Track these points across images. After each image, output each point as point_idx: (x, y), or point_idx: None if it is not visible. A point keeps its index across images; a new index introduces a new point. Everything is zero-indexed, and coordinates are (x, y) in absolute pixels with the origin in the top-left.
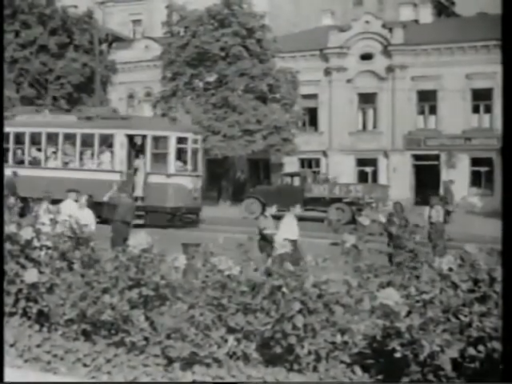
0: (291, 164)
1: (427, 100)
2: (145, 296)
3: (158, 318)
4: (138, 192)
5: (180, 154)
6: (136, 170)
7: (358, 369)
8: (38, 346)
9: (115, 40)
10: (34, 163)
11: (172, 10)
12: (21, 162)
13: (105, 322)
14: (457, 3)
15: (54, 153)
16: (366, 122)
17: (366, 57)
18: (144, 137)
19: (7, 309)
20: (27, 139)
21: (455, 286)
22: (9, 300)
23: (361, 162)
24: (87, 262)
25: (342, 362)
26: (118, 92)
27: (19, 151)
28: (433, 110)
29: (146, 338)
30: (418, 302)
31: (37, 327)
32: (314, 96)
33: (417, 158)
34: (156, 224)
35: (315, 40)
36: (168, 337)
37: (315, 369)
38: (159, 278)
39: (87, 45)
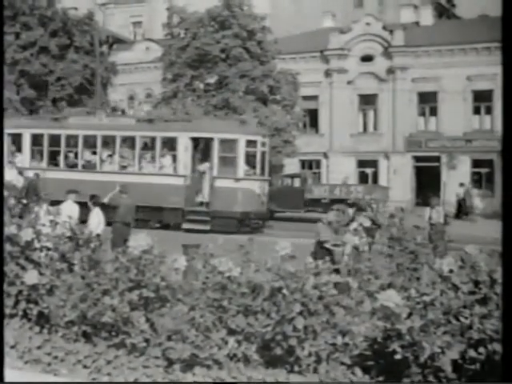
0: (292, 165)
1: (428, 102)
2: (145, 297)
3: (158, 319)
4: (204, 197)
5: (247, 158)
6: (202, 174)
7: (358, 370)
8: (39, 347)
9: (116, 42)
10: (89, 167)
11: (172, 12)
12: (73, 166)
13: (105, 323)
14: (457, 5)
15: (110, 156)
16: (366, 124)
17: (367, 58)
18: (210, 140)
19: (7, 310)
20: (80, 142)
21: (456, 288)
22: (9, 302)
23: (361, 164)
24: (87, 263)
25: (342, 363)
26: (119, 93)
27: (71, 154)
28: (433, 112)
29: (146, 340)
30: (418, 303)
31: (37, 329)
32: (314, 97)
33: (417, 159)
34: (223, 230)
35: (316, 42)
36: (168, 338)
37: (316, 370)
38: (159, 279)
39: (88, 46)
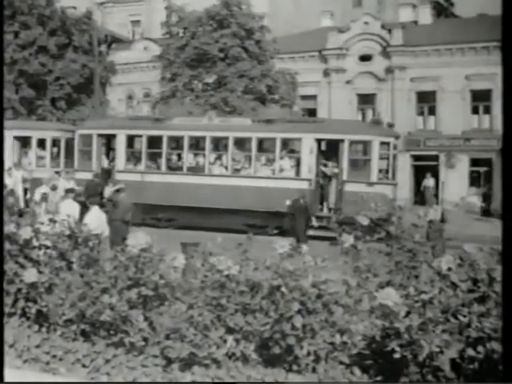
0: None
1: (426, 101)
2: (144, 296)
3: (157, 318)
4: (330, 203)
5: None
6: (328, 177)
7: (357, 369)
8: (38, 346)
9: (114, 41)
10: (196, 170)
11: (171, 11)
12: (177, 169)
13: (104, 322)
14: (456, 4)
15: (219, 159)
16: None
17: (365, 58)
18: (337, 141)
19: (6, 309)
20: (186, 143)
21: (454, 286)
22: (8, 300)
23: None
24: (86, 261)
25: (341, 362)
26: (117, 93)
27: (174, 157)
28: (432, 111)
29: (145, 339)
30: (417, 302)
31: (36, 327)
32: (313, 97)
33: (416, 158)
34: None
35: (314, 41)
36: (167, 337)
37: (314, 369)
38: (158, 277)
39: (86, 46)
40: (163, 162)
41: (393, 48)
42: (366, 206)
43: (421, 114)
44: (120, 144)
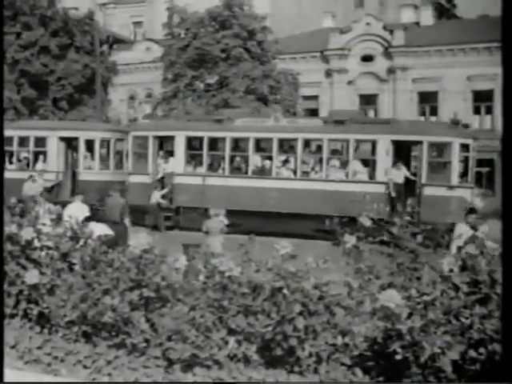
0: None
1: (428, 101)
2: (146, 297)
3: (158, 319)
4: (409, 206)
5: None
6: (407, 181)
7: (358, 371)
8: (39, 347)
9: (116, 41)
10: (262, 173)
11: (173, 12)
12: (242, 172)
13: (105, 323)
14: (458, 5)
15: (287, 161)
16: None
17: (367, 58)
18: (412, 143)
19: (8, 310)
20: (251, 146)
21: (456, 288)
22: (10, 301)
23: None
24: (88, 262)
25: (342, 364)
26: (119, 93)
27: (238, 159)
28: (434, 112)
29: (146, 340)
30: (419, 303)
31: (37, 329)
32: (314, 98)
33: None
34: (432, 243)
35: (316, 42)
36: (169, 338)
37: (316, 371)
38: (160, 279)
39: (88, 46)
40: (226, 164)
41: (395, 49)
42: (445, 211)
43: (423, 114)
44: (179, 146)
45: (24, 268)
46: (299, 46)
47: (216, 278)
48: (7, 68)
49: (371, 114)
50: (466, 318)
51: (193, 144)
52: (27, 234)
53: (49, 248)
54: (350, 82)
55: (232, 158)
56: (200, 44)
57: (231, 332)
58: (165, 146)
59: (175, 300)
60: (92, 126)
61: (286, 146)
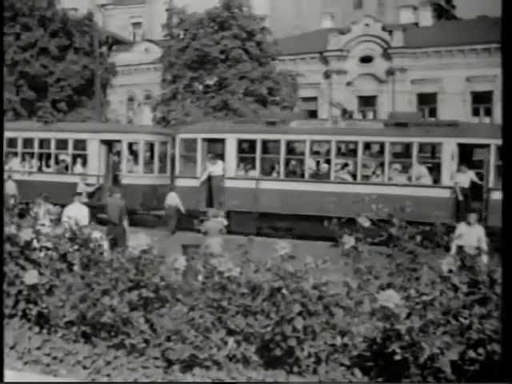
0: None
1: (427, 103)
2: (145, 298)
3: (157, 320)
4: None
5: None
6: (474, 185)
7: (357, 371)
8: (38, 348)
9: (115, 43)
10: (319, 176)
11: (172, 13)
12: (293, 174)
13: (105, 324)
14: (457, 6)
15: (346, 165)
16: None
17: (366, 59)
18: (478, 146)
19: (7, 311)
20: (307, 148)
21: (455, 288)
22: (9, 302)
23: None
24: (87, 263)
25: (341, 364)
26: (118, 95)
27: (293, 162)
28: (433, 113)
29: (145, 341)
30: (418, 304)
31: (37, 329)
32: (313, 99)
33: None
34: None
35: (315, 43)
36: (168, 339)
37: (315, 371)
38: (159, 279)
39: (87, 47)
40: (281, 167)
41: (393, 50)
42: None
43: (421, 116)
44: (230, 149)
45: (23, 268)
46: (298, 47)
47: (215, 279)
48: (6, 69)
49: (370, 115)
50: (465, 319)
51: (243, 147)
52: (26, 234)
53: (48, 249)
54: (348, 83)
55: (287, 162)
56: (199, 45)
57: (230, 332)
58: (212, 148)
59: (174, 300)
60: (136, 128)
61: (345, 149)
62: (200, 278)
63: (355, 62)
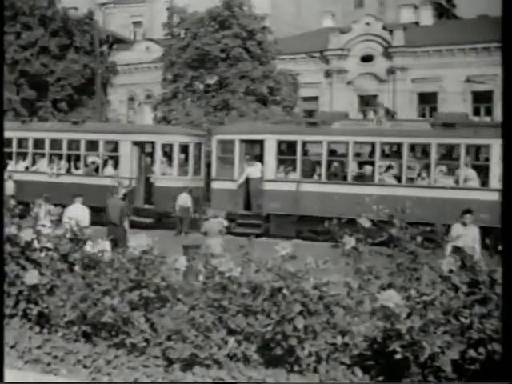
0: None
1: (428, 102)
2: (145, 298)
3: (158, 319)
4: None
5: None
6: None
7: (358, 370)
8: (39, 347)
9: (116, 42)
10: (362, 179)
11: (173, 12)
12: (334, 176)
13: (105, 323)
14: (457, 5)
15: (390, 167)
16: None
17: (367, 59)
18: None
19: (8, 310)
20: (351, 150)
21: (456, 288)
22: (9, 301)
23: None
24: (88, 263)
25: (342, 363)
26: (119, 94)
27: (336, 164)
28: (434, 112)
29: (146, 340)
30: (418, 303)
31: (37, 329)
32: (314, 98)
33: None
34: None
35: (316, 42)
36: (168, 338)
37: (316, 370)
38: (160, 279)
39: (88, 46)
40: (323, 170)
41: (394, 49)
42: None
43: (422, 115)
44: (270, 150)
45: (24, 268)
46: (299, 46)
47: (216, 279)
48: (7, 68)
49: (370, 115)
50: (466, 318)
51: (281, 148)
52: (27, 235)
53: (48, 249)
54: (349, 83)
55: (329, 163)
56: (200, 44)
57: (231, 332)
58: (250, 150)
59: (175, 300)
60: (170, 129)
61: (389, 150)
62: (201, 278)
63: (356, 61)
